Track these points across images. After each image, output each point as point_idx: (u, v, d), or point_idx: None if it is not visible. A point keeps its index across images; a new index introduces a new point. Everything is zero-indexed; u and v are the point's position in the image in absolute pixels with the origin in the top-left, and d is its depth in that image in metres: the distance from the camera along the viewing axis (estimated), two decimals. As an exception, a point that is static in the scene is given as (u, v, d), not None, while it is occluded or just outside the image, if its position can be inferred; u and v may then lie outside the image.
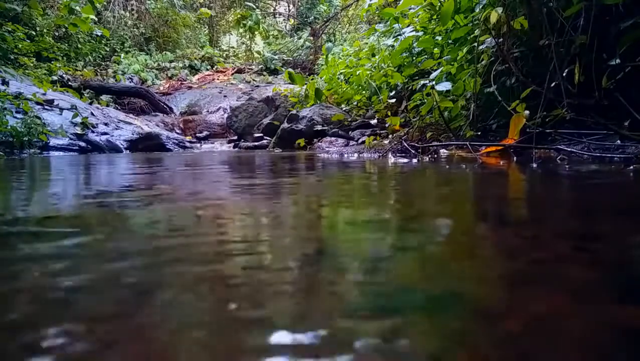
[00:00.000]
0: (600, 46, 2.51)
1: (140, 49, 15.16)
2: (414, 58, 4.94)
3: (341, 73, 7.36)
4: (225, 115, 10.11)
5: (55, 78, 9.35)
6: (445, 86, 3.39)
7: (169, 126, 10.52)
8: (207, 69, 15.50)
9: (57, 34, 11.76)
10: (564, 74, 2.62)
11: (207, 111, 11.75)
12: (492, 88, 3.01)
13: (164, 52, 15.22)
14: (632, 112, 2.34)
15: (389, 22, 5.51)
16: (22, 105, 5.94)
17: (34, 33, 9.02)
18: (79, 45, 12.35)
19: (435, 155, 3.06)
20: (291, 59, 15.48)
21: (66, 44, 11.75)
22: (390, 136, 4.32)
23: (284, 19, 18.99)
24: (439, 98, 3.42)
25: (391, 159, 3.09)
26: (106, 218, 1.08)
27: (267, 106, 8.51)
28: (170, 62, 14.95)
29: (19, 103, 5.93)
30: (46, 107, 6.90)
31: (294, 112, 6.52)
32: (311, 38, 15.21)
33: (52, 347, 0.39)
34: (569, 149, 2.38)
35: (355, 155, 3.75)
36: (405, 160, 2.90)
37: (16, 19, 8.49)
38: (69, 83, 10.19)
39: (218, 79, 14.52)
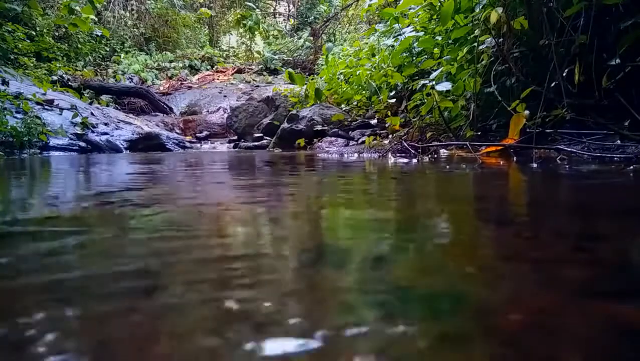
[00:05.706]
0: (600, 46, 2.51)
1: (140, 49, 15.16)
2: (414, 58, 4.94)
3: (341, 73, 7.34)
4: (225, 115, 10.10)
5: (55, 78, 9.34)
6: (445, 86, 3.39)
7: (169, 126, 10.51)
8: (207, 69, 15.49)
9: (57, 34, 11.76)
10: (564, 74, 2.62)
11: (207, 111, 11.74)
12: (492, 88, 3.01)
13: (164, 52, 15.22)
14: (632, 112, 2.34)
15: (389, 22, 5.50)
16: (22, 105, 5.93)
17: (34, 33, 9.02)
18: (79, 45, 12.34)
19: (435, 155, 3.06)
20: (291, 59, 15.47)
21: (66, 44, 11.74)
22: (390, 136, 4.31)
23: (284, 19, 18.97)
24: (439, 98, 3.42)
25: (391, 159, 3.09)
26: (106, 219, 1.08)
27: (267, 106, 8.50)
28: (170, 62, 14.95)
29: (19, 103, 5.92)
30: (46, 107, 6.89)
31: (294, 112, 6.51)
32: (311, 38, 15.21)
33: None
34: (569, 149, 2.38)
35: (355, 155, 3.75)
36: (405, 160, 2.90)
37: (16, 19, 8.49)
38: (69, 83, 10.17)
39: (218, 79, 14.52)
